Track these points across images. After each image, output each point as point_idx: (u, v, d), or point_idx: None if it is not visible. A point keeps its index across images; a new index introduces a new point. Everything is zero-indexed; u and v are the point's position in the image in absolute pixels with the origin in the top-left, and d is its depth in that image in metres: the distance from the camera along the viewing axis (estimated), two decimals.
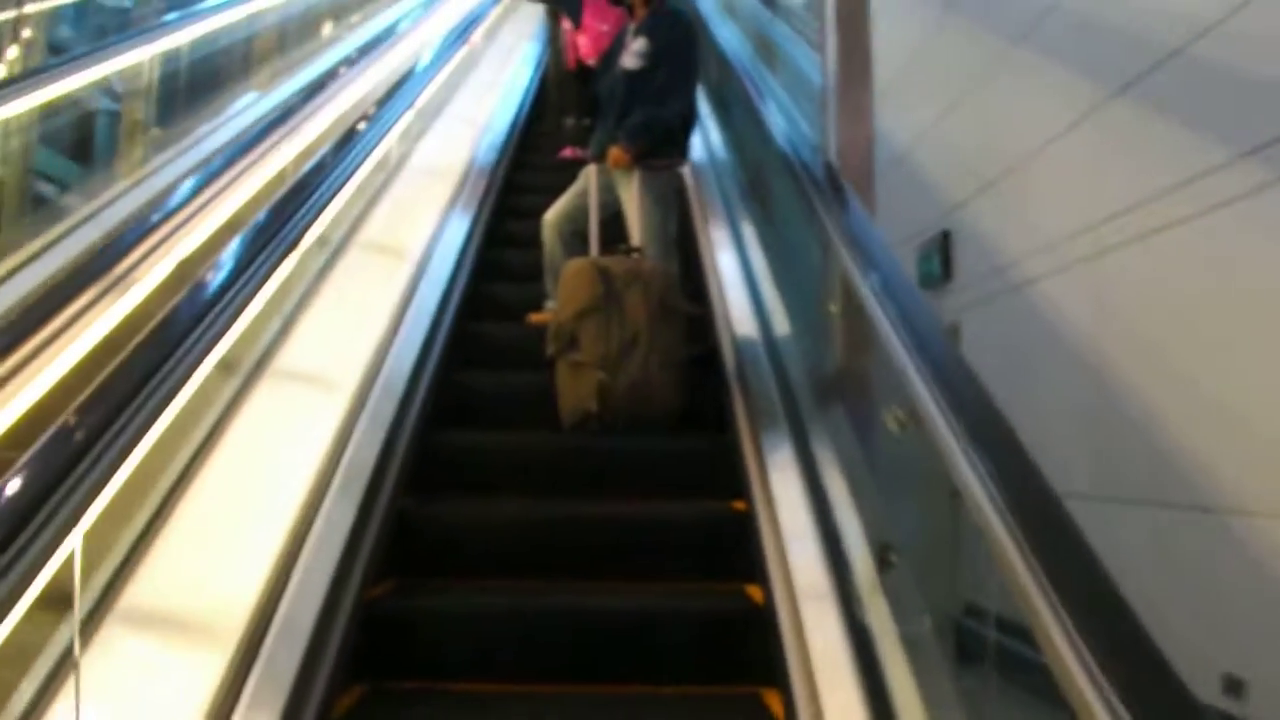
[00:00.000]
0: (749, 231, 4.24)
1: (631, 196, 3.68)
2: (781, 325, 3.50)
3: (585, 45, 5.62)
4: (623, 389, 3.12)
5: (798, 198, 3.16)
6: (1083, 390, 3.59)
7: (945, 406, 1.75)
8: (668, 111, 3.68)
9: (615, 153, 3.67)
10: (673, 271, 3.49)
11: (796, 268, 3.70)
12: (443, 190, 4.77)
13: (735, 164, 5.05)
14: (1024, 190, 4.31)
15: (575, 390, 3.17)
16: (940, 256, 4.78)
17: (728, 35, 5.76)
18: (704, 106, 5.85)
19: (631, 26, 3.90)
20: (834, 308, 2.87)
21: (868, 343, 2.58)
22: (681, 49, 3.78)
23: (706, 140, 5.55)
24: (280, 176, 3.32)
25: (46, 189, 6.12)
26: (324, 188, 3.07)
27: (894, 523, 2.35)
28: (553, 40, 6.77)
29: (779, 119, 3.74)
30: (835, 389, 2.94)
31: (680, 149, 3.84)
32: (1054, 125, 4.07)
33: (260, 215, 2.75)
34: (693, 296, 3.85)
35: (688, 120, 3.81)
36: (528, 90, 7.30)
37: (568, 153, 5.61)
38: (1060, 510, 1.43)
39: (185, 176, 3.37)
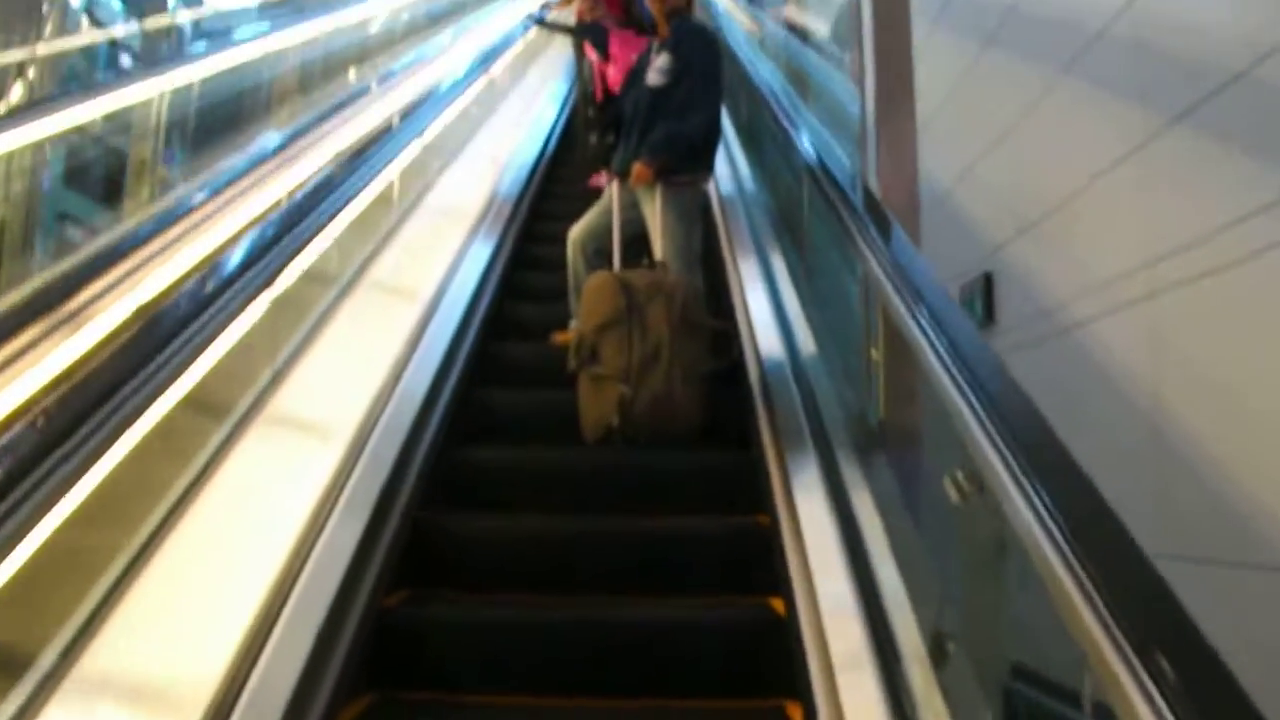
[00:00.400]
0: (779, 265, 4.07)
1: (654, 213, 3.65)
2: (815, 366, 3.32)
3: (614, 75, 5.54)
4: (645, 402, 3.06)
5: (834, 226, 2.97)
6: (1140, 440, 3.36)
7: (1004, 447, 1.58)
8: (688, 126, 3.65)
9: (638, 169, 3.64)
10: (696, 284, 3.44)
11: (832, 304, 3.52)
12: (468, 219, 4.79)
13: (765, 198, 4.89)
14: (1071, 229, 4.12)
15: (597, 404, 3.12)
16: (983, 299, 4.57)
17: (758, 63, 5.61)
18: (733, 142, 5.73)
19: (655, 44, 3.90)
20: (873, 339, 2.68)
21: (911, 377, 2.39)
22: (704, 63, 3.75)
23: (735, 172, 5.42)
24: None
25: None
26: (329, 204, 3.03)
27: (930, 560, 2.21)
28: (579, 72, 6.76)
29: (812, 145, 3.57)
30: (869, 422, 2.75)
31: (704, 165, 3.80)
32: (1103, 159, 3.88)
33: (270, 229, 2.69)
34: (716, 315, 3.78)
35: (711, 134, 3.77)
36: (555, 124, 7.37)
37: (594, 180, 5.54)
38: (1152, 574, 1.24)
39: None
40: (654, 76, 3.79)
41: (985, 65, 5.03)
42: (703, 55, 3.81)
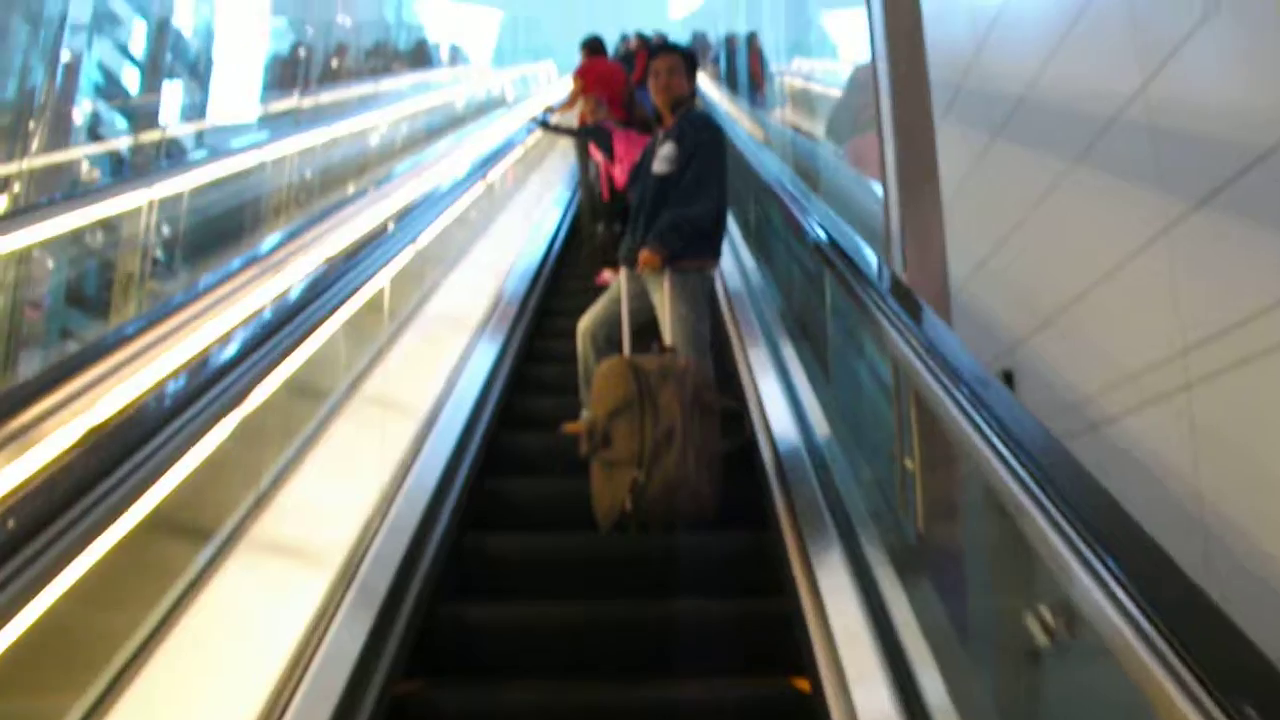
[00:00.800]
0: (792, 362, 3.93)
1: (663, 299, 3.65)
2: (834, 457, 3.16)
3: (619, 175, 5.55)
4: (658, 486, 2.99)
5: (858, 315, 2.83)
6: (1184, 541, 3.14)
7: (1067, 523, 1.47)
8: (694, 211, 3.66)
9: (645, 255, 3.64)
10: (707, 367, 3.41)
11: (853, 398, 3.36)
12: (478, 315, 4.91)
13: (776, 297, 4.77)
14: (1095, 320, 3.97)
15: (610, 490, 3.07)
16: None
17: (764, 158, 5.58)
18: (740, 244, 5.68)
19: (660, 133, 3.94)
20: (903, 430, 2.50)
21: (948, 468, 2.24)
22: (708, 150, 3.78)
23: (741, 266, 5.37)
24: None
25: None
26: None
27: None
28: (583, 174, 6.99)
29: (830, 232, 3.45)
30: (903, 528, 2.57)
31: (711, 250, 3.80)
32: (1126, 246, 3.76)
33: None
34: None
35: (718, 220, 3.78)
36: (558, 227, 7.46)
37: (601, 278, 5.52)
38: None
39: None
40: (659, 165, 3.83)
41: (996, 156, 4.97)
42: (707, 143, 3.84)
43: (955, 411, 1.91)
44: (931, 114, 3.14)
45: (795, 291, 4.64)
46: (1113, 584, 1.26)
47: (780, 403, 3.63)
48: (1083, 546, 1.35)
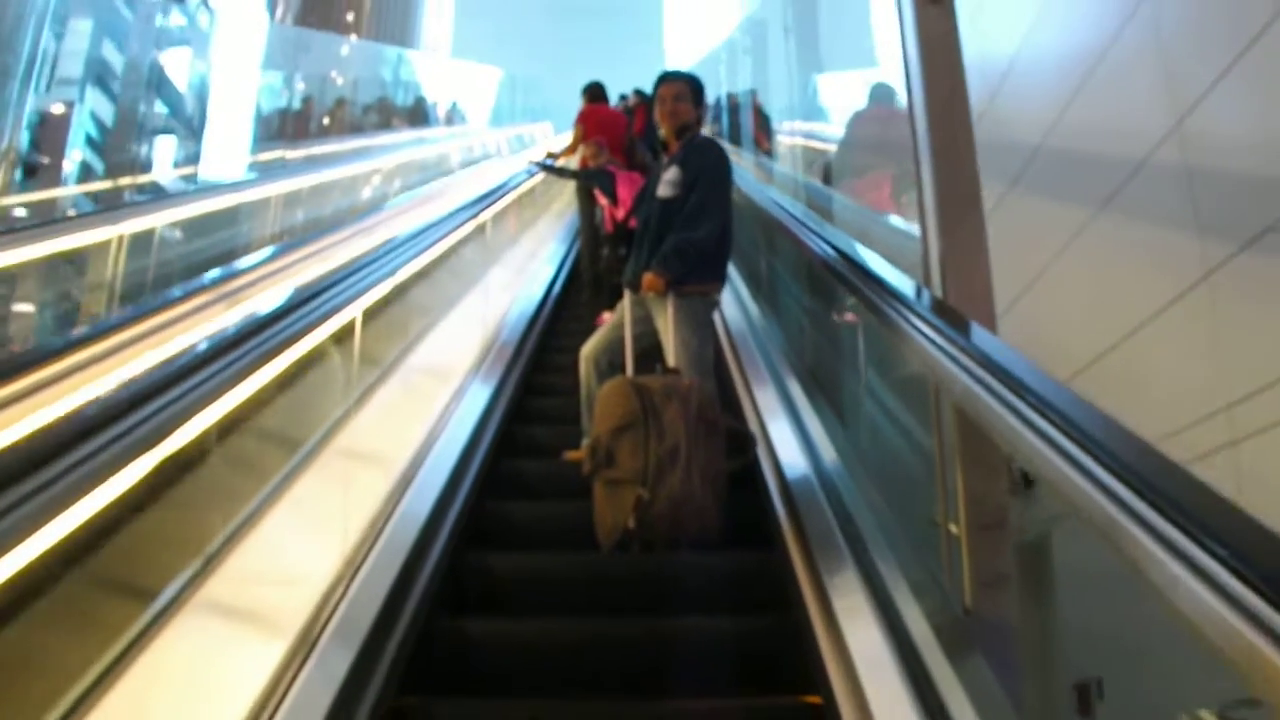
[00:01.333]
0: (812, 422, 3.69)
1: (666, 323, 3.67)
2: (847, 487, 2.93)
3: (623, 217, 5.41)
4: (663, 504, 2.91)
5: (894, 342, 2.56)
6: None
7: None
8: (698, 234, 3.66)
9: (649, 278, 3.67)
10: (710, 387, 3.38)
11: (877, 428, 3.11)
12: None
13: (789, 343, 4.55)
14: (1130, 372, 3.73)
15: (612, 508, 3.00)
16: None
17: (776, 195, 5.42)
18: (748, 300, 5.53)
19: (665, 159, 3.94)
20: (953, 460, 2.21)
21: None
22: (712, 173, 3.80)
23: (747, 315, 5.17)
24: None
25: None
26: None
27: None
28: (586, 216, 7.06)
29: (856, 254, 3.23)
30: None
31: (715, 274, 3.79)
32: (1161, 294, 3.53)
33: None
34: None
35: (721, 243, 3.77)
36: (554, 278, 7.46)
37: (599, 321, 5.38)
38: None
39: None
40: (664, 189, 3.82)
41: (1012, 206, 4.77)
42: (711, 168, 3.82)
43: (1017, 423, 1.63)
44: (973, 134, 2.93)
45: (808, 343, 4.40)
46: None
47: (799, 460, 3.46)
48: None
